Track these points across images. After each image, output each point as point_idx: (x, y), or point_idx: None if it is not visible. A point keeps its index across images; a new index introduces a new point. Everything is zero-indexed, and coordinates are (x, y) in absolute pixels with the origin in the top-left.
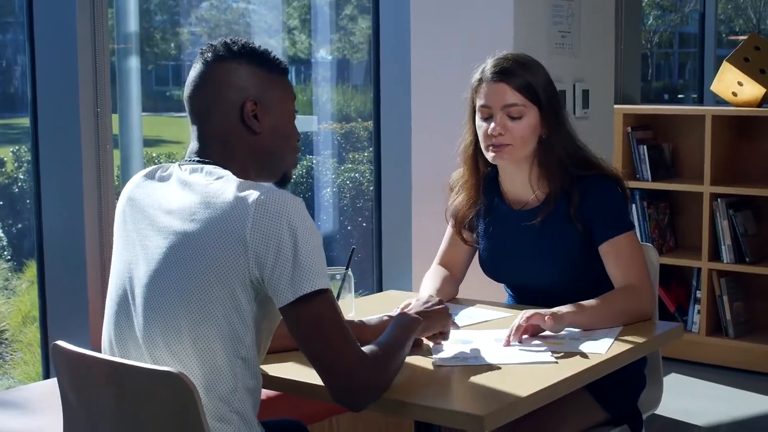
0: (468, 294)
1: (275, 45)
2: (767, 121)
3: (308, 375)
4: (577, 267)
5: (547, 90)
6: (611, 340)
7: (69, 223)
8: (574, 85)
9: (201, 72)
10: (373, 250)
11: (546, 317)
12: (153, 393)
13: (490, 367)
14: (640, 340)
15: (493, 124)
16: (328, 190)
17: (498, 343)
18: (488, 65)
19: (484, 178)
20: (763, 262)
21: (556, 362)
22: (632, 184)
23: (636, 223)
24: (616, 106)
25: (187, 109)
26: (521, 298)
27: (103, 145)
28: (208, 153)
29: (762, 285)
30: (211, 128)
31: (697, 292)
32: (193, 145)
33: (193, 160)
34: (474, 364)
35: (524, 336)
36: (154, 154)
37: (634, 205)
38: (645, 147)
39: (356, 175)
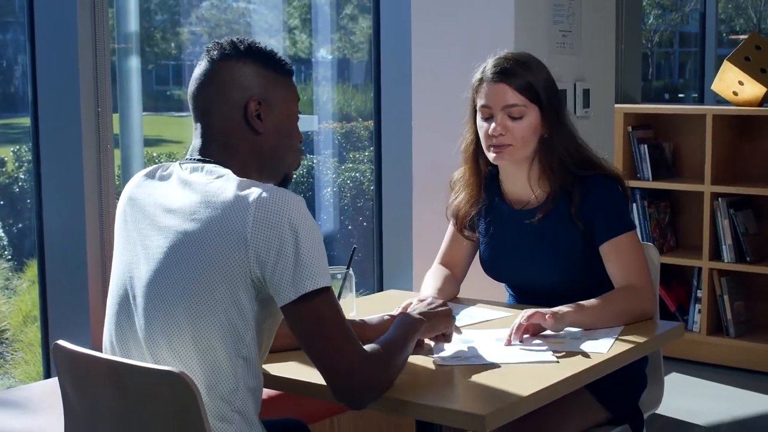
0: (469, 293)
1: (276, 44)
2: None
3: (309, 374)
4: (578, 267)
5: (548, 89)
6: (612, 340)
7: (70, 223)
8: (574, 85)
9: (206, 70)
10: (373, 249)
11: (547, 316)
12: (154, 393)
13: (492, 367)
14: (641, 339)
15: (493, 125)
16: (329, 189)
17: (499, 343)
18: (489, 65)
19: (485, 178)
20: (763, 262)
21: (557, 362)
22: (633, 183)
23: (636, 223)
24: (616, 106)
25: (190, 106)
26: (522, 297)
27: (104, 145)
28: (210, 151)
29: (763, 284)
30: (214, 126)
31: (698, 291)
32: (196, 142)
33: (194, 159)
34: (475, 363)
35: (525, 335)
36: (154, 154)
37: (634, 205)
38: (646, 146)
39: (357, 174)
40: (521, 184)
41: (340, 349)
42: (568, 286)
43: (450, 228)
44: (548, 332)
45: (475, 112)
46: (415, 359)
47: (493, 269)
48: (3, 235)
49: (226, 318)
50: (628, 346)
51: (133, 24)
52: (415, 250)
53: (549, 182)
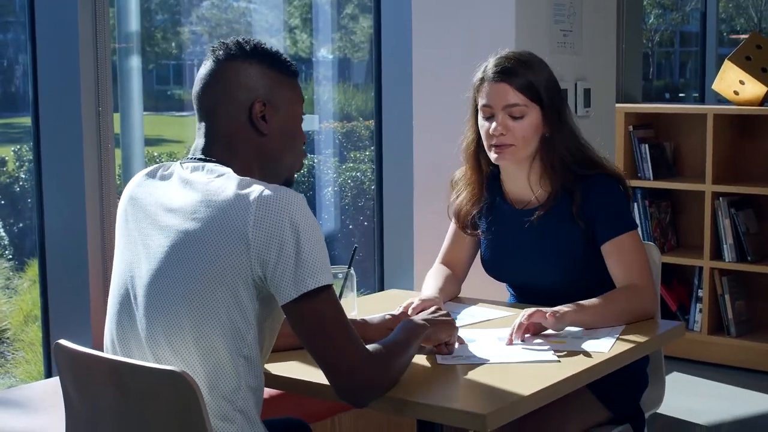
0: (470, 293)
1: (276, 44)
2: None
3: (311, 374)
4: (579, 266)
5: (550, 89)
6: (613, 339)
7: (70, 222)
8: (575, 84)
9: (211, 70)
10: (374, 249)
11: (547, 315)
12: (155, 392)
13: (493, 366)
14: (642, 339)
15: (494, 124)
16: (330, 189)
17: (500, 342)
18: (490, 64)
19: (487, 177)
20: (764, 261)
21: (559, 361)
22: (634, 182)
23: (637, 222)
24: (617, 105)
25: (195, 106)
26: (523, 297)
27: (105, 144)
28: (213, 151)
29: (764, 284)
30: (218, 127)
31: (699, 290)
32: (199, 141)
33: (195, 158)
34: (476, 362)
35: (526, 335)
36: (155, 153)
37: (635, 204)
38: (646, 146)
39: (358, 174)
40: (522, 183)
41: (341, 347)
42: (569, 285)
43: (451, 227)
44: (549, 331)
45: (477, 111)
46: (416, 358)
47: (494, 269)
48: (4, 234)
49: (228, 317)
50: (630, 345)
51: (133, 23)
52: (416, 250)
53: (550, 181)
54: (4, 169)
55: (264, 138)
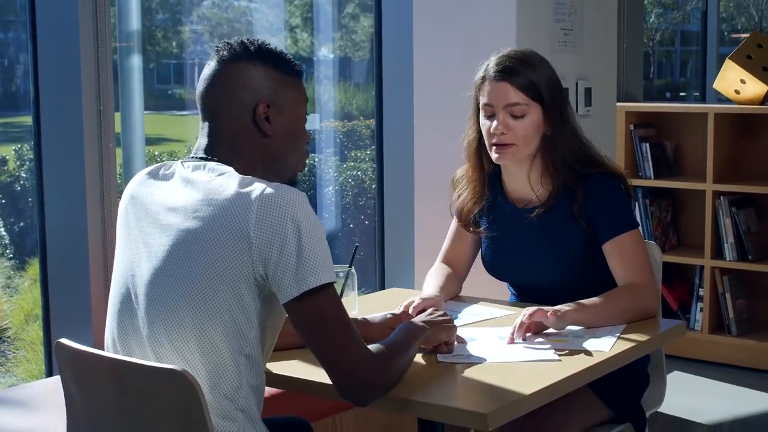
0: (471, 292)
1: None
2: None
3: (312, 373)
4: (580, 265)
5: (551, 87)
6: (614, 338)
7: (71, 221)
8: (576, 83)
9: (215, 70)
10: (375, 247)
11: (548, 314)
12: (156, 391)
13: (494, 365)
14: (643, 338)
15: (495, 123)
16: (331, 188)
17: (501, 341)
18: (491, 63)
19: (488, 175)
20: (765, 260)
21: (560, 360)
22: (635, 181)
23: (638, 221)
24: (618, 104)
25: (198, 105)
26: (524, 296)
27: (106, 144)
28: (216, 151)
29: (765, 282)
30: (222, 127)
31: (700, 289)
32: (202, 141)
33: (197, 157)
34: (477, 361)
35: (527, 334)
36: (156, 153)
37: (636, 203)
38: (647, 145)
39: (358, 173)
40: (523, 182)
41: (343, 346)
42: (570, 284)
43: (452, 226)
44: (550, 330)
45: (478, 109)
46: (417, 357)
47: (495, 268)
48: (5, 233)
49: (229, 316)
50: (631, 344)
51: (134, 22)
52: (417, 249)
53: (551, 180)
54: (5, 168)
55: (268, 139)
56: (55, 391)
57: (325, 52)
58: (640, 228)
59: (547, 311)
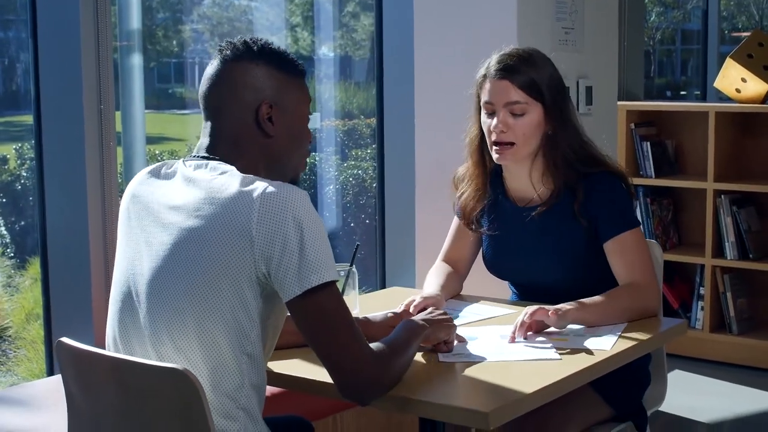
0: (472, 291)
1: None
2: None
3: (313, 372)
4: (582, 264)
5: (552, 86)
6: (615, 337)
7: (72, 220)
8: (577, 82)
9: (218, 70)
10: (376, 246)
11: (550, 313)
12: (157, 390)
13: (495, 364)
14: (644, 336)
15: (495, 121)
16: (331, 187)
17: (503, 340)
18: (493, 61)
19: (490, 173)
20: (766, 259)
21: (561, 359)
22: (636, 180)
23: (639, 220)
24: (619, 103)
25: (201, 105)
26: (525, 295)
27: (107, 143)
28: (218, 150)
29: (765, 281)
30: (224, 127)
31: (701, 288)
32: (204, 140)
33: (199, 156)
34: (478, 360)
35: (529, 332)
36: (156, 152)
37: (637, 202)
38: (648, 143)
39: (359, 172)
40: (525, 181)
41: (345, 345)
42: (571, 283)
43: (453, 225)
44: (551, 329)
45: (480, 107)
46: (418, 357)
47: (496, 267)
48: (5, 232)
49: (231, 315)
50: (632, 343)
51: (135, 21)
52: (417, 247)
53: (553, 179)
54: (6, 167)
55: (270, 139)
56: (56, 390)
57: (326, 51)
58: (641, 227)
59: (548, 310)
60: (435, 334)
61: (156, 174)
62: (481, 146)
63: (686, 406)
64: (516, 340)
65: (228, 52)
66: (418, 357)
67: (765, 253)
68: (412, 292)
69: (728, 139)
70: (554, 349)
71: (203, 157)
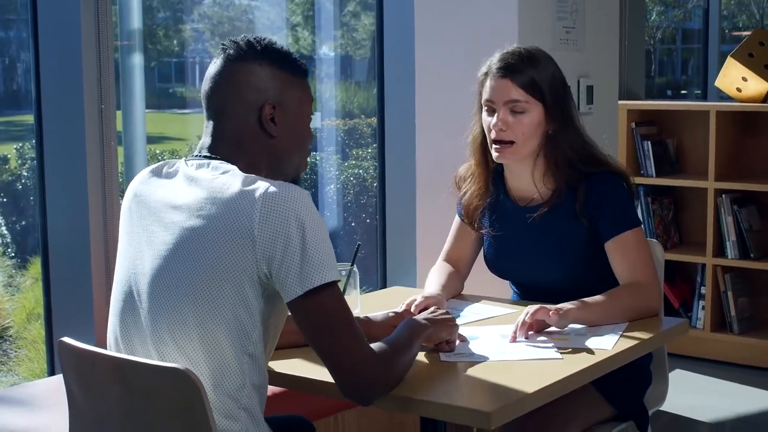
0: (473, 290)
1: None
2: None
3: (314, 372)
4: (583, 264)
5: (554, 86)
6: (617, 336)
7: (73, 220)
8: (578, 81)
9: (222, 69)
10: (377, 246)
11: (551, 313)
12: (159, 389)
13: (496, 363)
14: (645, 336)
15: (494, 119)
16: (332, 186)
17: (504, 339)
18: (495, 59)
19: (492, 171)
20: (767, 258)
21: (562, 358)
22: (636, 179)
23: (640, 220)
24: (620, 102)
25: (203, 104)
26: (526, 295)
27: (108, 142)
28: (220, 150)
29: (766, 280)
30: (227, 127)
31: (702, 288)
32: (205, 140)
33: (201, 156)
34: (480, 360)
35: (530, 332)
36: (157, 151)
37: (638, 201)
38: (649, 143)
39: (360, 171)
40: (526, 180)
41: (346, 345)
42: (572, 283)
43: (455, 224)
44: (552, 329)
45: (482, 105)
46: (420, 356)
47: (497, 267)
48: (6, 232)
49: (233, 315)
50: (633, 342)
51: (136, 21)
52: (418, 247)
53: (554, 179)
54: (7, 166)
55: (273, 140)
56: (57, 390)
57: (327, 51)
58: (642, 226)
59: (550, 309)
60: (437, 334)
61: (158, 173)
62: (484, 145)
63: (687, 406)
64: (517, 339)
65: (231, 52)
66: (420, 357)
67: (766, 253)
68: (413, 292)
69: (729, 138)
70: (555, 349)
71: (205, 157)
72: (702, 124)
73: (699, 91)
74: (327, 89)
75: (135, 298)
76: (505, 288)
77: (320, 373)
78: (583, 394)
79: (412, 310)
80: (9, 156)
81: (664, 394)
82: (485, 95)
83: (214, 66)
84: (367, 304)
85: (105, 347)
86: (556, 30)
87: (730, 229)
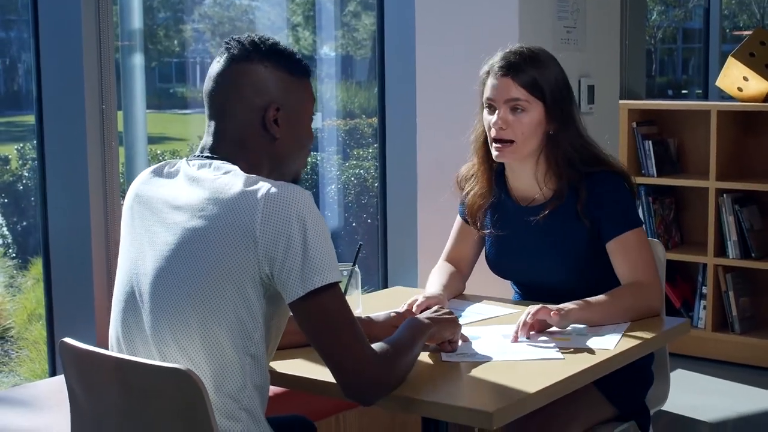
0: (475, 290)
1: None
2: None
3: (316, 372)
4: (585, 265)
5: (556, 86)
6: (618, 336)
7: (74, 221)
8: (579, 81)
9: (225, 69)
10: (378, 246)
11: (552, 313)
12: (160, 390)
13: (498, 364)
14: (647, 335)
15: (494, 117)
16: (333, 186)
17: (505, 339)
18: (497, 58)
19: (495, 170)
20: None
21: (564, 358)
22: (637, 179)
23: (642, 219)
24: (621, 102)
25: (205, 103)
26: (528, 295)
27: (109, 142)
28: (222, 150)
29: None
30: (229, 128)
31: (703, 287)
32: (207, 140)
33: (202, 156)
34: (481, 360)
35: (531, 332)
36: (158, 151)
37: (639, 201)
38: (650, 142)
39: (361, 171)
40: (527, 180)
41: (348, 346)
42: (574, 284)
43: (456, 224)
44: (554, 329)
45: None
46: (421, 356)
47: (498, 267)
48: (7, 232)
49: (235, 315)
50: (635, 342)
51: (136, 21)
52: (420, 247)
53: (555, 179)
54: (8, 167)
55: (275, 142)
56: (58, 390)
57: (327, 51)
58: (643, 226)
59: (551, 310)
60: (440, 333)
61: (159, 173)
62: (486, 143)
63: (689, 406)
64: (518, 339)
65: (235, 52)
66: (421, 357)
67: (767, 252)
68: (414, 292)
69: (730, 138)
70: (557, 349)
71: (207, 157)
72: (703, 124)
73: (700, 91)
74: (328, 89)
75: (137, 298)
76: (507, 288)
77: (322, 373)
78: (585, 394)
79: (413, 310)
80: (10, 156)
81: (666, 394)
82: (486, 93)
83: (217, 65)
84: (368, 305)
85: (106, 348)
86: (556, 30)
87: (731, 229)
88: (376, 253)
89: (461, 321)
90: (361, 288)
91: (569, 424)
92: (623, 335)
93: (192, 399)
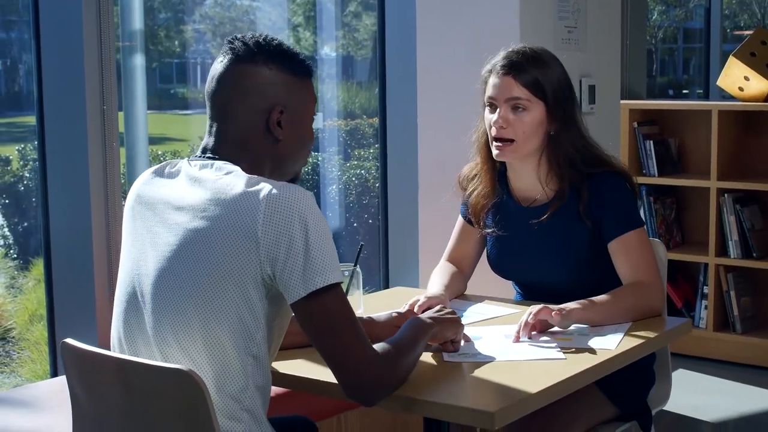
0: (476, 290)
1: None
2: None
3: (317, 372)
4: (586, 265)
5: (558, 87)
6: (620, 336)
7: (75, 221)
8: (580, 81)
9: (228, 69)
10: (379, 246)
11: (553, 313)
12: (162, 391)
13: (500, 364)
14: (649, 335)
15: (495, 116)
16: (334, 186)
17: (507, 339)
18: (499, 57)
19: (497, 170)
20: None
21: (565, 358)
22: (639, 179)
23: (643, 220)
24: (622, 102)
25: (207, 103)
26: (530, 295)
27: (110, 143)
28: (223, 151)
29: None
30: (231, 129)
31: (704, 287)
32: (208, 140)
33: (204, 156)
34: (483, 360)
35: (533, 332)
36: (159, 152)
37: (640, 201)
38: (651, 142)
39: (362, 171)
40: (529, 180)
41: (349, 346)
42: (575, 284)
43: (458, 224)
44: (555, 329)
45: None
46: (423, 356)
47: (500, 267)
48: (9, 233)
49: (237, 316)
50: (636, 342)
51: (137, 22)
52: (421, 247)
53: (557, 179)
54: (9, 168)
55: (278, 143)
56: (59, 391)
57: (328, 51)
58: (645, 226)
59: (553, 310)
60: (442, 333)
61: (160, 174)
62: (488, 142)
63: (690, 405)
64: (520, 339)
65: (240, 52)
66: (424, 357)
67: None
68: (415, 292)
69: (731, 138)
70: (559, 349)
71: (208, 157)
72: (704, 124)
73: (701, 91)
74: (329, 90)
75: (138, 299)
76: (508, 288)
77: (323, 373)
78: (587, 394)
79: (415, 310)
80: (11, 157)
81: (668, 394)
82: (488, 92)
83: (220, 65)
84: (370, 305)
85: (108, 348)
86: (557, 30)
87: (732, 229)
88: (377, 253)
89: (463, 321)
90: (363, 288)
91: (571, 424)
92: (625, 335)
93: (194, 400)
